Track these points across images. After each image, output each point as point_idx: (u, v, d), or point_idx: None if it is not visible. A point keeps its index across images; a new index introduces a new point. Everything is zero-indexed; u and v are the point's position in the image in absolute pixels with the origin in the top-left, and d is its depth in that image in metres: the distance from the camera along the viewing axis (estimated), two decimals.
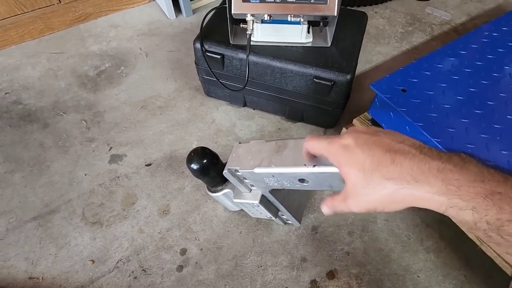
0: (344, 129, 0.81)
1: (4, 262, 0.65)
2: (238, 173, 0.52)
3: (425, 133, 0.57)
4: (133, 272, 0.64)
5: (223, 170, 0.55)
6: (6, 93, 0.91)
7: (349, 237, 0.69)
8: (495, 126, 0.58)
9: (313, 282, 0.63)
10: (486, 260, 0.59)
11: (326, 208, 0.35)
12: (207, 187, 0.66)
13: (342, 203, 0.32)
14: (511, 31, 0.75)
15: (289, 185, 0.47)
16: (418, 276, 0.64)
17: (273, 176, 0.46)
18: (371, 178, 0.28)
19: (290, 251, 0.67)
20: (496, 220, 0.23)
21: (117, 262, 0.65)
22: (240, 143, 0.54)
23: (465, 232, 0.61)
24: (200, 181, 0.76)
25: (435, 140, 0.56)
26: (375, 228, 0.70)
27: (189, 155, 0.59)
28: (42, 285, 0.63)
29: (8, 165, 0.78)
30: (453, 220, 0.27)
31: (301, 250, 0.67)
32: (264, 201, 0.57)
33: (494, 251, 0.56)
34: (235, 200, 0.59)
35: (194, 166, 0.58)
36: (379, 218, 0.71)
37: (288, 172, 0.43)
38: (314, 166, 0.39)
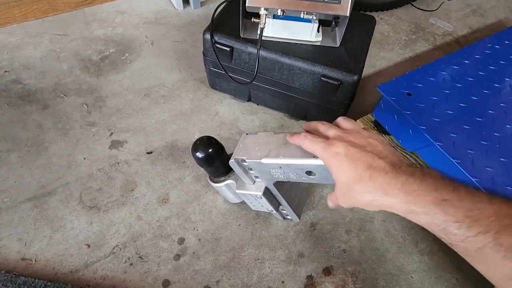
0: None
1: None
2: (244, 163, 0.52)
3: (428, 137, 0.59)
4: (129, 258, 0.64)
5: (227, 161, 0.55)
6: (5, 71, 0.89)
7: (346, 235, 0.70)
8: (495, 134, 0.60)
9: (309, 277, 0.64)
10: None
11: (329, 202, 0.43)
12: (209, 177, 0.66)
13: (335, 199, 0.40)
14: None
15: (295, 177, 0.47)
16: (411, 277, 0.65)
17: (280, 167, 0.46)
18: (353, 189, 0.35)
19: (288, 246, 0.67)
20: (443, 221, 0.29)
21: (113, 248, 0.65)
22: (247, 134, 0.54)
23: None
24: (200, 172, 0.76)
25: (437, 144, 0.58)
26: (372, 228, 0.71)
27: (195, 143, 0.59)
28: (35, 267, 0.62)
29: (4, 144, 0.76)
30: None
31: (298, 246, 0.67)
32: (267, 193, 0.57)
33: None
34: (237, 191, 0.59)
35: (199, 154, 0.58)
36: (376, 219, 0.72)
37: (296, 163, 0.43)
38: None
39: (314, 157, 0.41)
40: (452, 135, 0.59)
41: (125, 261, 0.63)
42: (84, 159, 0.76)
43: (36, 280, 0.59)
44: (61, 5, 1.03)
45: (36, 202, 0.69)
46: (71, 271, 0.62)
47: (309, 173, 0.44)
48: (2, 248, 0.63)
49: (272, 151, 0.47)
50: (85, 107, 0.85)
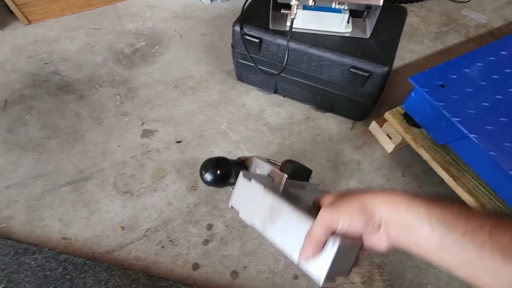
0: (373, 122, 0.82)
1: (39, 222, 0.68)
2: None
3: (462, 128, 0.57)
4: (160, 241, 0.67)
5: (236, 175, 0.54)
6: (45, 64, 0.94)
7: None
8: None
9: None
10: None
11: (301, 256, 0.32)
12: None
13: (317, 223, 0.31)
14: None
15: None
16: (440, 271, 0.64)
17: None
18: (349, 195, 0.30)
19: None
20: (440, 215, 0.26)
21: (146, 231, 0.68)
22: (243, 174, 0.47)
23: None
24: None
25: (472, 136, 0.56)
26: None
27: (200, 171, 0.55)
28: (74, 246, 0.66)
29: (45, 131, 0.81)
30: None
31: None
32: None
33: None
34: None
35: (207, 179, 0.56)
36: None
37: (277, 246, 0.39)
38: (297, 263, 0.34)
39: (291, 252, 0.35)
40: (488, 127, 0.57)
41: (157, 244, 0.66)
42: (118, 146, 0.79)
43: (76, 258, 0.63)
44: (95, 0, 1.07)
45: (74, 186, 0.73)
46: (107, 251, 0.65)
47: None
48: (44, 228, 0.68)
49: (259, 220, 0.42)
50: (118, 97, 0.88)
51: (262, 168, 0.56)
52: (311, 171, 0.54)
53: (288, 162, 0.50)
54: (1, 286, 0.59)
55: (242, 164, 0.59)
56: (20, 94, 0.87)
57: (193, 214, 0.70)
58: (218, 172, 0.55)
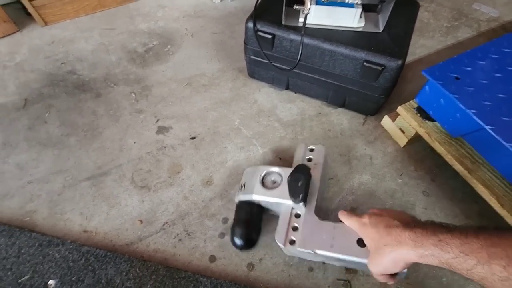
0: (386, 117, 0.82)
1: (61, 215, 0.70)
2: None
3: (478, 120, 0.58)
4: (178, 234, 0.68)
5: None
6: (62, 63, 0.97)
7: None
8: None
9: None
10: None
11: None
12: None
13: (374, 274, 0.49)
14: None
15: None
16: None
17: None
18: (378, 248, 0.45)
19: None
20: (446, 259, 0.37)
21: (163, 224, 0.69)
22: (278, 238, 0.59)
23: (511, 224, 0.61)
24: (241, 157, 0.79)
25: (488, 128, 0.56)
26: (413, 214, 0.70)
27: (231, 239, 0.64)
28: (95, 239, 0.68)
29: (64, 129, 0.83)
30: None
31: None
32: None
33: None
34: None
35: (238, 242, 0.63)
36: (418, 206, 0.72)
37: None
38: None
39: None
40: (504, 118, 0.57)
41: (174, 237, 0.68)
42: (134, 143, 0.81)
43: (97, 250, 0.65)
44: (108, 1, 1.10)
45: (93, 181, 0.75)
46: (127, 244, 0.67)
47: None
48: (66, 221, 0.70)
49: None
50: (133, 95, 0.90)
51: (276, 207, 0.65)
52: (309, 171, 0.63)
53: (298, 192, 0.60)
54: (27, 276, 0.61)
55: (258, 208, 0.66)
56: (39, 93, 0.90)
57: (208, 208, 0.72)
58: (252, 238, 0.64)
